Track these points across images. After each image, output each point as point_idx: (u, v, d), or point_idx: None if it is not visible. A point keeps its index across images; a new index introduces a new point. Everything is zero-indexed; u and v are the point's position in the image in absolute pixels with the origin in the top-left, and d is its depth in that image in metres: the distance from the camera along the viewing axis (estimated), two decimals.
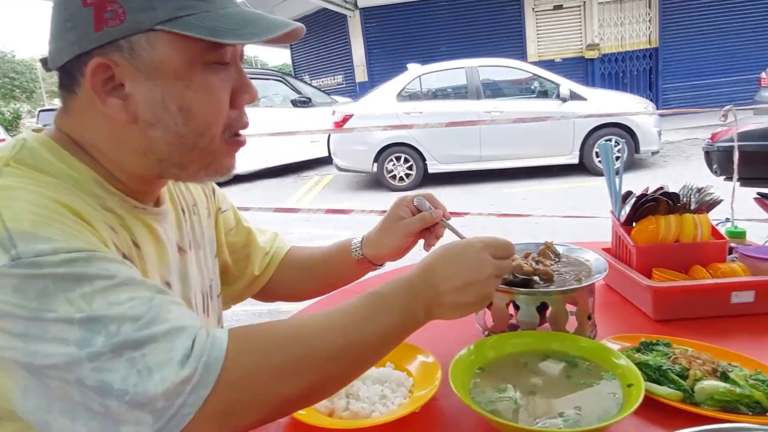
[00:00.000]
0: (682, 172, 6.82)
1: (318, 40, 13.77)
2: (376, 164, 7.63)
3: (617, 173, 1.22)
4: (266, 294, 1.04)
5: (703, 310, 1.06)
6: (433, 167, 7.58)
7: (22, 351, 0.50)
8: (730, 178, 3.15)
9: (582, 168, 7.42)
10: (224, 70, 0.65)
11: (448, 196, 6.88)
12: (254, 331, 0.59)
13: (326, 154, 9.55)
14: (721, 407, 0.75)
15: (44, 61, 0.66)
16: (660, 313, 1.06)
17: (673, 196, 1.16)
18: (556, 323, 0.93)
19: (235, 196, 7.68)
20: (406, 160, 7.59)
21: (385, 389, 0.83)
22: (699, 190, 1.20)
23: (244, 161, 9.08)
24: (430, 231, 0.95)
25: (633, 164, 7.39)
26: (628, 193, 1.24)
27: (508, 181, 7.44)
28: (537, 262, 0.98)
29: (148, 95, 0.62)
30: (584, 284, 0.90)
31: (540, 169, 7.60)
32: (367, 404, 0.80)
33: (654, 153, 7.40)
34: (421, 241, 0.97)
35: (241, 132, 0.71)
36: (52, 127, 0.67)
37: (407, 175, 7.63)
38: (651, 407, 0.75)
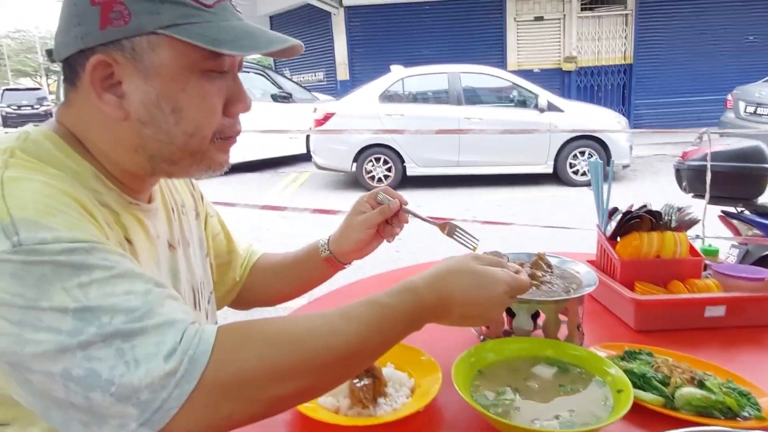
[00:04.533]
0: (651, 186, 7.05)
1: (301, 36, 13.49)
2: (355, 164, 7.65)
3: (605, 189, 1.30)
4: (241, 301, 1.06)
5: (680, 322, 1.14)
6: (412, 170, 7.65)
7: (15, 339, 0.50)
8: (698, 196, 3.28)
9: (555, 178, 7.59)
10: (221, 78, 0.67)
11: (425, 199, 6.95)
12: (247, 327, 0.58)
13: (304, 150, 9.52)
14: (698, 412, 0.82)
15: (49, 52, 0.67)
16: (641, 324, 1.13)
17: (656, 214, 1.24)
18: (548, 331, 0.99)
19: (210, 189, 7.63)
20: (386, 162, 7.63)
21: (389, 389, 0.88)
22: (679, 210, 1.28)
23: None
24: (390, 222, 0.98)
25: (605, 177, 7.58)
26: (614, 210, 1.32)
27: (484, 187, 7.56)
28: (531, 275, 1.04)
29: (144, 95, 0.63)
30: (576, 295, 0.97)
31: (515, 177, 7.74)
32: (372, 403, 0.84)
33: (625, 167, 7.63)
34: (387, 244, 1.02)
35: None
36: (53, 120, 0.69)
37: (386, 177, 7.67)
38: (635, 411, 0.81)
